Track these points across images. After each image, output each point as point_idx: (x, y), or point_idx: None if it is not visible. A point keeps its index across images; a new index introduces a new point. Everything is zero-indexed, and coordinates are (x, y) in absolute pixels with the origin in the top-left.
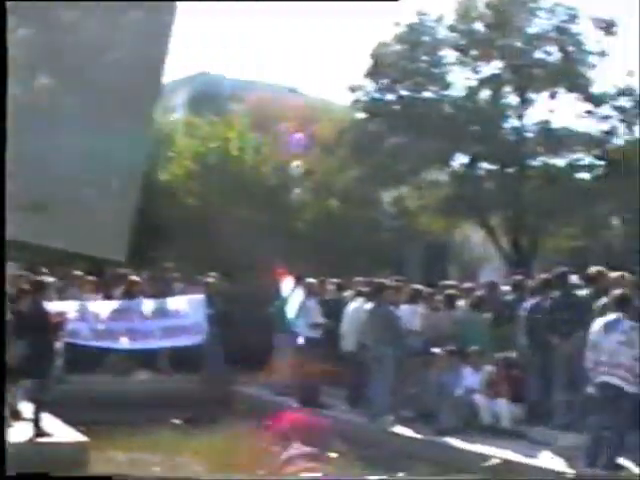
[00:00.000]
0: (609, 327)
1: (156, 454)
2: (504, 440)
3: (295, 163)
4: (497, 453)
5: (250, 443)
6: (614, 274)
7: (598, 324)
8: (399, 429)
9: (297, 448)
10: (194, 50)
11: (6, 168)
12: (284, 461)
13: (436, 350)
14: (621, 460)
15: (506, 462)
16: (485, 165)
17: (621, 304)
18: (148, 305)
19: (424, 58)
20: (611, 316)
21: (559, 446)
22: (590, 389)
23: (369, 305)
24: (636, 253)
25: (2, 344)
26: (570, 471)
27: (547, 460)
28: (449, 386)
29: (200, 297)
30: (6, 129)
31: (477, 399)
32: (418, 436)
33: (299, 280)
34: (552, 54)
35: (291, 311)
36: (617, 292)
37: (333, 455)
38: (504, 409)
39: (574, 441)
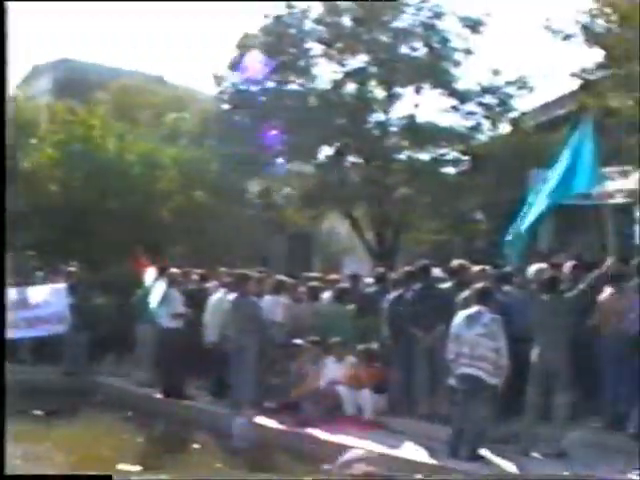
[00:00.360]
0: (470, 319)
1: (18, 446)
2: (367, 431)
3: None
4: (359, 444)
5: (112, 434)
6: (476, 268)
7: (460, 317)
8: (262, 420)
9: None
10: (59, 36)
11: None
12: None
13: (299, 341)
14: (483, 451)
15: (368, 452)
16: (350, 158)
17: (482, 297)
18: (8, 295)
19: (290, 50)
20: (472, 309)
21: (422, 436)
22: (451, 381)
23: (232, 296)
24: (498, 247)
25: (2, 344)
26: (432, 462)
27: (409, 451)
28: (311, 377)
29: (62, 286)
30: (6, 129)
31: (340, 390)
32: (281, 427)
33: (162, 270)
34: (418, 50)
35: (154, 301)
36: (478, 285)
37: (195, 446)
38: (367, 400)
39: (436, 432)
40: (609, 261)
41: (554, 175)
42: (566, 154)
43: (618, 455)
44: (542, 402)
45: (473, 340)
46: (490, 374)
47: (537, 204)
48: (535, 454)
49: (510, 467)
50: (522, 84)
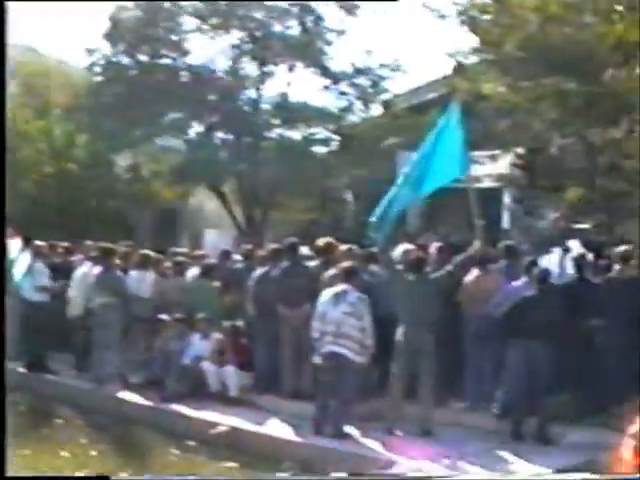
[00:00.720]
0: (336, 298)
1: None
2: (232, 408)
3: None
4: (225, 421)
5: None
6: (343, 247)
7: (325, 295)
8: (126, 395)
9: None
10: None
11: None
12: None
13: (164, 317)
14: (348, 429)
15: (233, 430)
16: (221, 134)
17: (348, 276)
18: None
19: (164, 24)
20: (338, 287)
21: (287, 414)
22: (317, 359)
23: (97, 270)
24: (365, 227)
25: (2, 344)
26: (297, 439)
27: (274, 428)
28: (177, 353)
29: None
30: (6, 129)
31: (205, 366)
32: (146, 403)
33: (27, 242)
34: (292, 28)
35: (18, 274)
36: (344, 264)
37: (59, 421)
38: (232, 377)
39: (302, 409)
40: (476, 244)
41: (423, 160)
42: (434, 138)
43: (482, 435)
44: (406, 381)
45: (339, 318)
46: (355, 352)
47: (405, 187)
48: (399, 433)
49: (374, 445)
50: (396, 66)
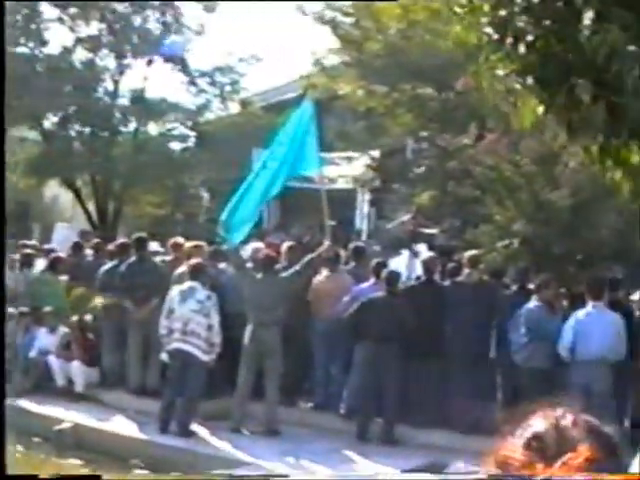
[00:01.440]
0: (184, 295)
1: None
2: (77, 403)
3: None
4: (70, 417)
5: None
6: (191, 243)
7: (173, 292)
8: None
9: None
10: None
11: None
12: None
13: (10, 310)
14: (194, 427)
15: (78, 426)
16: (76, 127)
17: (196, 273)
18: None
19: (23, 12)
20: (186, 284)
21: (134, 411)
22: (164, 356)
23: None
24: (218, 225)
25: (2, 344)
26: (142, 437)
27: (119, 424)
28: (22, 347)
29: None
30: (5, 129)
31: (51, 361)
32: None
33: None
34: (151, 22)
35: None
36: (192, 261)
37: None
38: (78, 372)
39: (148, 406)
40: (325, 244)
41: (275, 156)
42: (286, 135)
43: (329, 435)
44: (254, 380)
45: (186, 316)
46: (202, 350)
47: (258, 185)
48: (246, 432)
49: (221, 444)
50: (254, 61)
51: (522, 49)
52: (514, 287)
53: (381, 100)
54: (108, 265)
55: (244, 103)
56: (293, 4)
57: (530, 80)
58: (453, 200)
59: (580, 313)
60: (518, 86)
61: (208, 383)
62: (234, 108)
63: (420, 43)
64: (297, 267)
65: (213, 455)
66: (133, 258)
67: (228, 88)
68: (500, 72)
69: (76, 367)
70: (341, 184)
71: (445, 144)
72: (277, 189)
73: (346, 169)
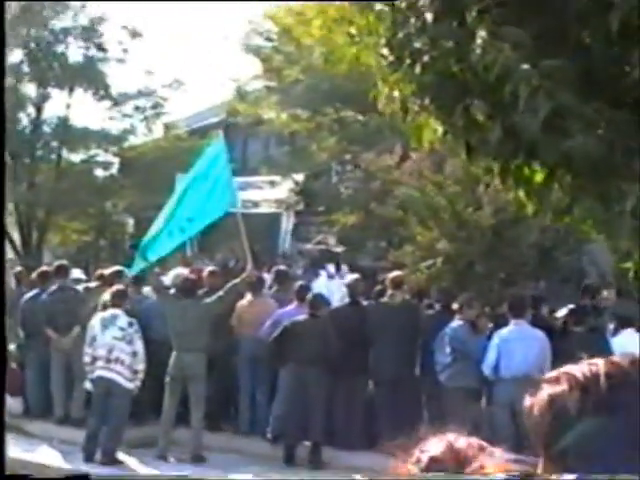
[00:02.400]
0: (106, 322)
1: None
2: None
3: None
4: None
5: None
6: (112, 269)
7: (96, 319)
8: None
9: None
10: None
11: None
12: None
13: None
14: (119, 455)
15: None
16: None
17: (117, 299)
18: None
19: None
20: (108, 312)
21: (58, 440)
22: (87, 384)
23: None
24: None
25: (2, 344)
26: (67, 466)
27: (44, 455)
28: None
29: None
30: (5, 129)
31: None
32: None
33: None
34: (75, 50)
35: None
36: (113, 288)
37: None
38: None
39: (72, 435)
40: (248, 268)
41: (189, 196)
42: (200, 170)
43: (256, 459)
44: (178, 406)
45: (109, 343)
46: (126, 378)
47: (172, 226)
48: (172, 458)
49: (147, 471)
50: (177, 86)
51: (418, 70)
52: (437, 307)
53: (304, 124)
54: (30, 294)
55: (168, 127)
56: (216, 30)
57: (427, 100)
58: (377, 221)
59: (503, 331)
60: (416, 107)
61: (133, 410)
62: (158, 133)
63: (342, 67)
64: (220, 293)
65: None
66: (54, 286)
67: (151, 112)
68: (396, 94)
69: None
70: (265, 208)
71: (367, 165)
72: (194, 231)
73: (270, 193)
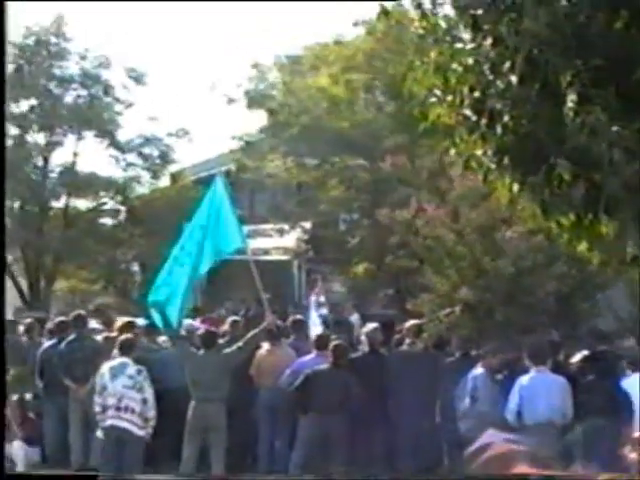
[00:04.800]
0: (115, 371)
1: None
2: None
3: None
4: None
5: None
6: (124, 320)
7: (104, 368)
8: None
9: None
10: None
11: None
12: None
13: None
14: None
15: None
16: (6, 202)
17: (126, 348)
18: None
19: None
20: (117, 360)
21: None
22: (99, 434)
23: None
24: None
25: (2, 346)
26: None
27: None
28: None
29: None
30: (5, 131)
31: None
32: None
33: None
34: (80, 97)
35: None
36: (121, 337)
37: None
38: (19, 452)
39: None
40: (268, 318)
41: (195, 238)
42: (203, 214)
43: None
44: (198, 456)
45: (119, 392)
46: (137, 425)
47: (183, 268)
48: None
49: None
50: (183, 134)
51: (498, 130)
52: (457, 355)
53: (311, 173)
54: (47, 344)
55: (174, 176)
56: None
57: (506, 160)
58: (389, 271)
59: (525, 378)
60: (493, 165)
61: (150, 459)
62: (165, 181)
63: (347, 116)
64: (240, 343)
65: None
66: (72, 336)
67: (157, 161)
68: (478, 152)
69: (17, 447)
70: (275, 255)
71: (383, 219)
72: (203, 269)
73: (279, 241)
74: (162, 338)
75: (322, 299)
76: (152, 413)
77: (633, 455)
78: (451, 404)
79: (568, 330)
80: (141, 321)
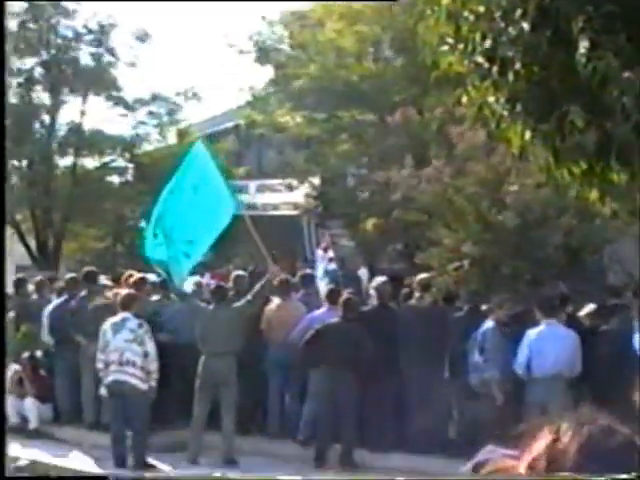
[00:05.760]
0: (117, 327)
1: None
2: (32, 440)
3: None
4: (25, 454)
5: None
6: (136, 275)
7: (107, 325)
8: None
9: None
10: None
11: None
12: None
13: None
14: (151, 460)
15: (33, 462)
16: (13, 161)
17: (127, 303)
18: None
19: None
20: (119, 315)
21: (89, 445)
22: (102, 390)
23: None
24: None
25: (2, 344)
26: (100, 471)
27: (76, 460)
28: None
29: None
30: (5, 129)
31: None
32: None
33: None
34: (86, 57)
35: None
36: (123, 292)
37: None
38: (31, 409)
39: (103, 441)
40: (271, 269)
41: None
42: (185, 183)
43: (287, 462)
44: (208, 410)
45: (121, 347)
46: (139, 379)
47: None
48: (204, 462)
49: (180, 475)
50: (191, 95)
51: (510, 77)
52: (466, 308)
53: (320, 127)
54: (58, 301)
55: (182, 134)
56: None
57: (518, 107)
58: (398, 225)
59: (534, 331)
60: (506, 113)
61: (161, 415)
62: (171, 139)
63: (356, 70)
64: (249, 296)
65: None
66: (83, 292)
67: (165, 119)
68: (491, 99)
69: (29, 404)
70: (284, 210)
71: (384, 179)
72: (202, 251)
73: (288, 196)
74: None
75: (331, 254)
76: (154, 366)
77: None
78: (460, 358)
79: (576, 283)
80: (152, 277)
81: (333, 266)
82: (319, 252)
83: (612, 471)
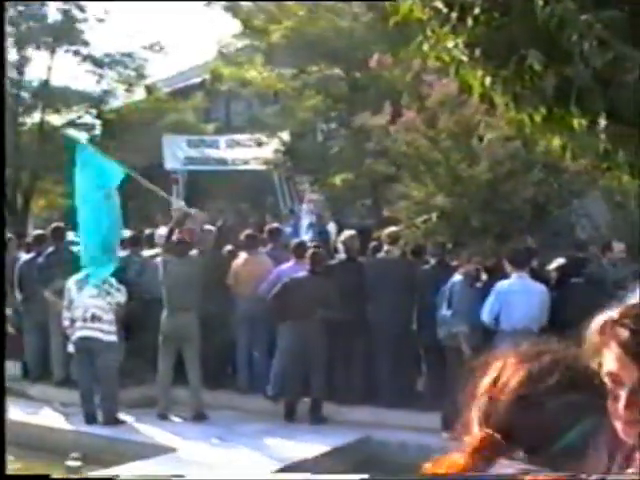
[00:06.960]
0: (81, 283)
1: None
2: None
3: None
4: None
5: None
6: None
7: (71, 282)
8: None
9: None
10: None
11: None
12: None
13: None
14: (121, 415)
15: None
16: None
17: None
18: None
19: None
20: (83, 272)
21: (59, 403)
22: (70, 347)
23: None
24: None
25: (2, 342)
26: (70, 427)
27: (47, 417)
28: None
29: None
30: (5, 129)
31: None
32: None
33: None
34: (53, 11)
35: None
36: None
37: None
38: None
39: (74, 397)
40: (199, 216)
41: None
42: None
43: (256, 417)
44: (172, 365)
45: (85, 303)
46: (105, 332)
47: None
48: (174, 417)
49: (150, 431)
50: (158, 49)
51: (469, 22)
52: (433, 261)
53: (289, 83)
54: (25, 257)
55: (149, 89)
56: None
57: (477, 52)
58: (366, 180)
59: (504, 283)
60: (465, 58)
61: (132, 370)
62: (139, 95)
63: (325, 24)
64: (199, 248)
65: (143, 442)
66: (51, 249)
67: (132, 74)
68: (450, 44)
69: None
70: (254, 165)
71: (360, 124)
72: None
73: (258, 151)
74: (147, 252)
75: (312, 207)
76: (120, 319)
77: None
78: (428, 310)
79: (545, 238)
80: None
81: (314, 219)
82: (304, 206)
83: (546, 412)
